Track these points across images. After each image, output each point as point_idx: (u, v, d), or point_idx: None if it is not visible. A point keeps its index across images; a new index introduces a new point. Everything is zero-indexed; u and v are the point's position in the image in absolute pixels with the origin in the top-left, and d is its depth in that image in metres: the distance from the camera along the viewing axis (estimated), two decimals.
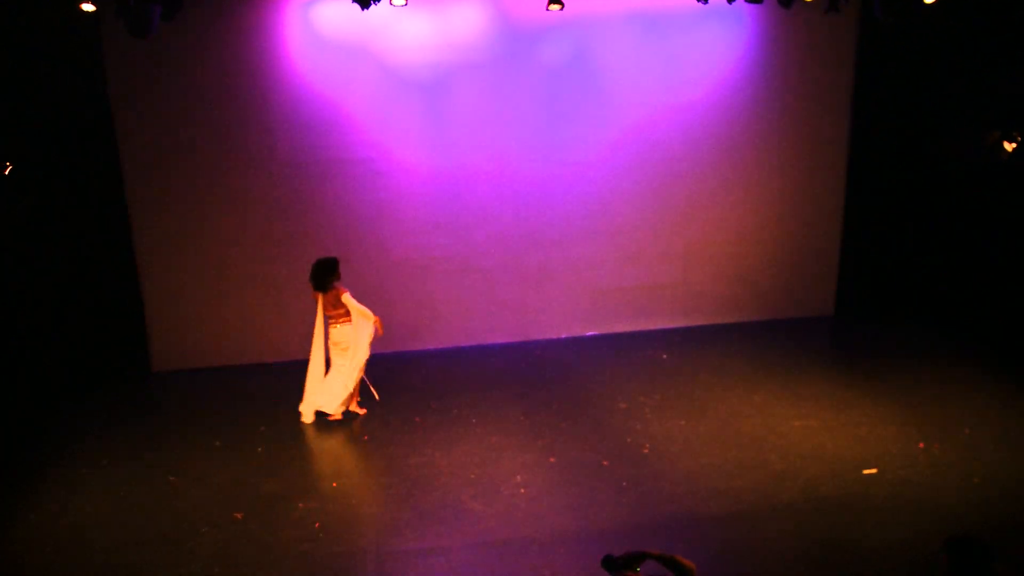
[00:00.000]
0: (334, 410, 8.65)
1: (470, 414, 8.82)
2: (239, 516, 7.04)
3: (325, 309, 8.58)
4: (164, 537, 6.79)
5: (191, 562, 6.46)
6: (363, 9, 8.36)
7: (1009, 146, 9.14)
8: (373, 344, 8.80)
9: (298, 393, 9.26)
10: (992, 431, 8.12)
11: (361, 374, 8.73)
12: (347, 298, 8.49)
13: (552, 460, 7.84)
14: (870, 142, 10.93)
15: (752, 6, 9.68)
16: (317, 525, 6.86)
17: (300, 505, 7.16)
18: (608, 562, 4.03)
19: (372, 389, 8.95)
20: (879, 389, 9.08)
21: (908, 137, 10.76)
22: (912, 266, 11.13)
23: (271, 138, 9.83)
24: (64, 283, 9.55)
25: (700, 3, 9.04)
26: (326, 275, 8.53)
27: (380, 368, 10.04)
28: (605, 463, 7.73)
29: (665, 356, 10.28)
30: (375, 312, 8.70)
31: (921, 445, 7.88)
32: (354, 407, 8.80)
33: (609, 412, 8.72)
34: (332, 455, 8.04)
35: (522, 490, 7.31)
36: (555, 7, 8.98)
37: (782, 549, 6.40)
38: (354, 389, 8.71)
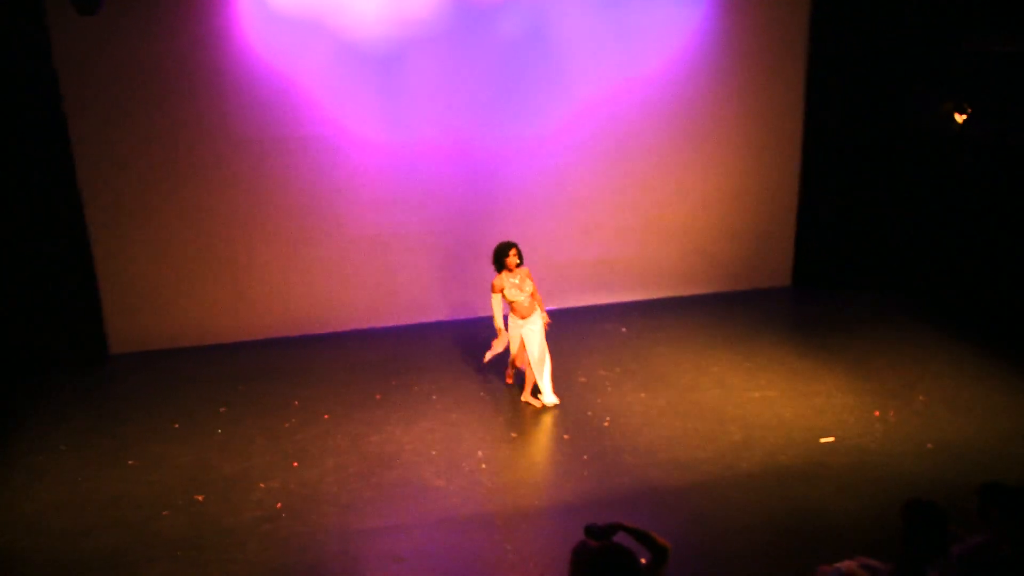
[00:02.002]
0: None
1: (431, 390, 8.75)
2: (200, 498, 6.90)
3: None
4: (125, 521, 6.62)
5: (153, 546, 6.30)
6: None
7: (960, 117, 9.16)
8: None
9: (259, 371, 9.16)
10: (945, 396, 8.22)
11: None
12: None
13: (514, 435, 7.81)
14: (826, 112, 10.94)
15: None
16: (279, 505, 6.74)
17: (261, 485, 7.04)
18: (590, 530, 3.97)
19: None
20: (836, 358, 9.13)
21: (864, 106, 10.77)
22: (868, 236, 11.20)
23: (225, 115, 9.55)
24: (15, 264, 9.19)
25: None
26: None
27: (338, 345, 10.09)
28: (566, 437, 7.70)
29: (624, 329, 10.27)
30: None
31: (877, 413, 7.93)
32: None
33: (569, 386, 8.66)
34: (292, 435, 7.90)
35: (484, 466, 7.26)
36: None
37: (745, 518, 6.41)
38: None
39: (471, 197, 10.50)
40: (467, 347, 9.86)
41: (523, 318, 8.06)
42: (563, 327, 9.38)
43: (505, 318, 8.21)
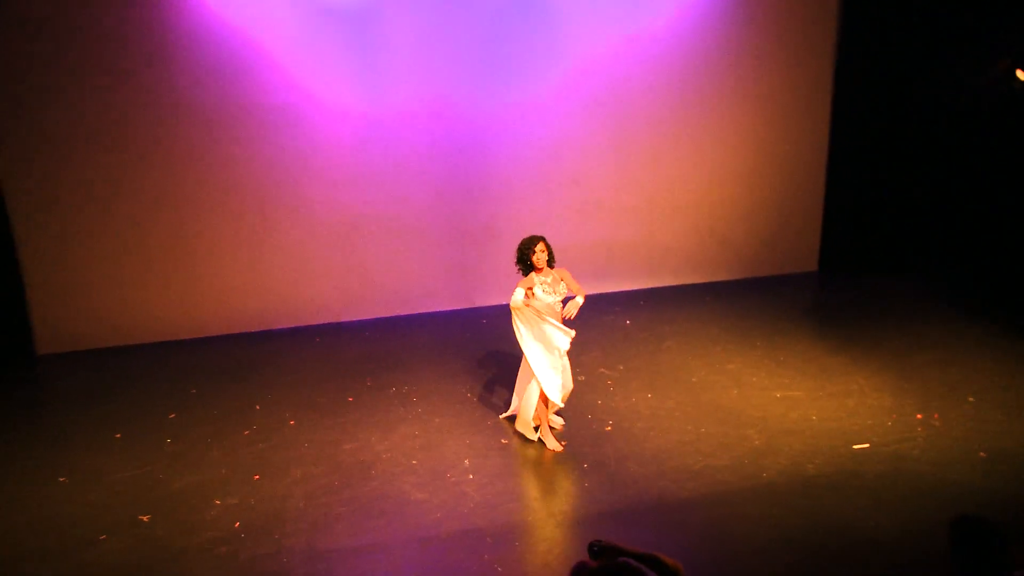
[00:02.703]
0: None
1: (410, 392, 8.72)
2: (145, 519, 6.80)
3: None
4: (54, 550, 6.44)
5: None
6: None
7: (1023, 74, 9.11)
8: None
9: (214, 372, 9.10)
10: (998, 397, 8.14)
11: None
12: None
13: (504, 442, 7.76)
14: (859, 76, 10.90)
15: None
16: (237, 525, 6.66)
17: (217, 503, 6.95)
18: (594, 550, 3.95)
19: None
20: (870, 353, 9.09)
21: (902, 70, 10.76)
22: (905, 215, 11.18)
23: (172, 82, 9.45)
24: None
25: None
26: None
27: (305, 342, 10.07)
28: (563, 443, 7.64)
29: (628, 322, 10.23)
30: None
31: (919, 416, 7.88)
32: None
33: None
34: (252, 444, 7.84)
35: (471, 476, 7.21)
36: None
37: (766, 534, 6.33)
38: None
39: (455, 173, 10.45)
40: (450, 343, 9.81)
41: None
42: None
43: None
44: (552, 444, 7.58)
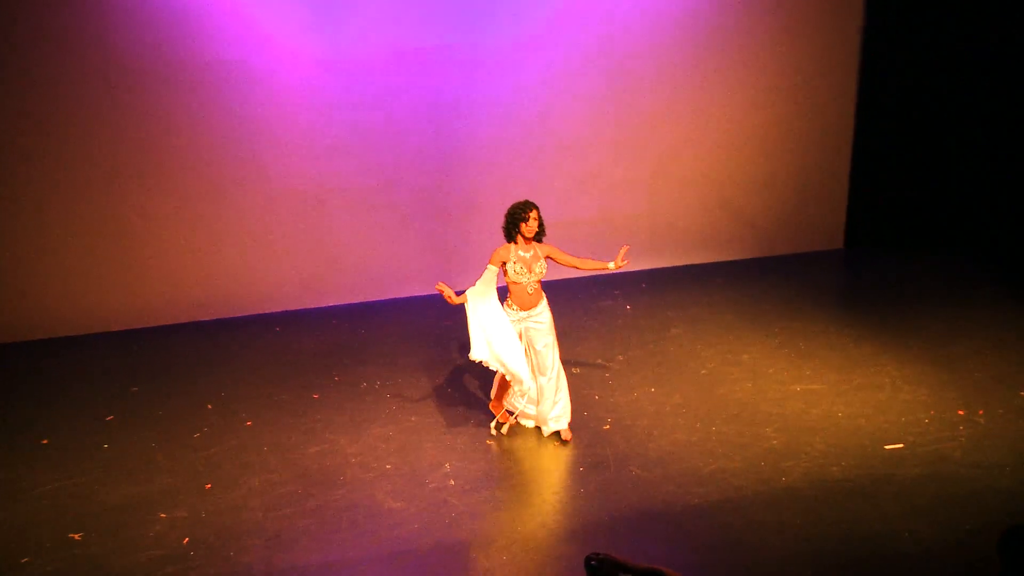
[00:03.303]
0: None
1: (383, 388, 8.70)
2: (78, 537, 6.71)
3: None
4: None
5: None
6: None
7: None
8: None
9: (159, 367, 9.01)
10: None
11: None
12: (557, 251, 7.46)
13: (490, 443, 7.75)
14: (890, 34, 10.88)
15: None
16: (186, 541, 6.59)
17: (162, 516, 6.88)
18: (592, 566, 3.94)
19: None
20: (904, 341, 9.11)
21: (934, 30, 10.76)
22: (940, 185, 11.19)
23: (109, 39, 9.29)
24: None
25: None
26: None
27: (263, 332, 10.04)
28: (557, 445, 7.63)
29: (629, 307, 10.25)
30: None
31: (961, 412, 7.87)
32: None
33: None
34: (203, 448, 7.78)
35: (452, 483, 7.18)
36: None
37: (784, 547, 6.31)
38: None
39: (430, 139, 10.37)
40: (428, 331, 9.80)
41: (523, 309, 7.44)
42: (551, 304, 9.26)
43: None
44: (497, 426, 7.83)
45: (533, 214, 7.19)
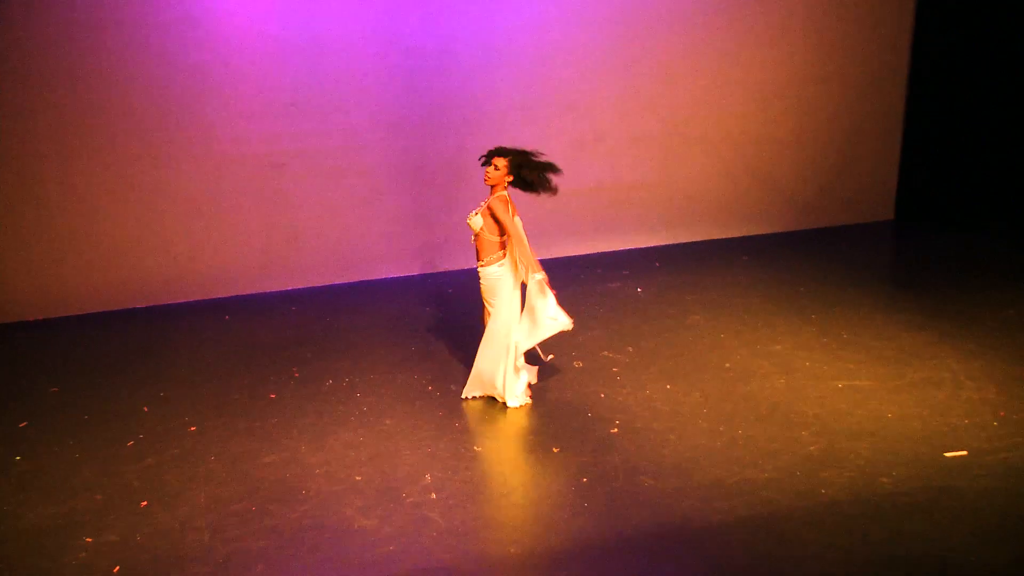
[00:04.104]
0: (505, 398, 8.30)
1: (353, 384, 8.69)
2: None
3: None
4: None
5: None
6: None
7: None
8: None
9: (84, 363, 9.01)
10: None
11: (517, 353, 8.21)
12: (502, 209, 7.87)
13: (478, 449, 7.71)
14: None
15: None
16: (116, 570, 6.48)
17: (88, 540, 6.76)
18: None
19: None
20: (966, 329, 9.12)
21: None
22: (1005, 149, 11.19)
23: None
24: None
25: None
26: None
27: (212, 320, 10.02)
28: (556, 450, 7.58)
29: (640, 289, 10.24)
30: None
31: None
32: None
33: (559, 374, 8.62)
34: (138, 458, 7.70)
35: (433, 496, 7.09)
36: None
37: (824, 571, 6.21)
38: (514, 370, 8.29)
39: (406, 96, 10.35)
40: (404, 319, 9.80)
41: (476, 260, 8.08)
42: (555, 286, 9.26)
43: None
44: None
45: (497, 161, 7.85)
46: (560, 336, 9.02)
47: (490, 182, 7.79)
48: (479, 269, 7.98)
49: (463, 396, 8.33)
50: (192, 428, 8.11)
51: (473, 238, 7.93)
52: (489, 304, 8.00)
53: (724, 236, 11.33)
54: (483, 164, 7.81)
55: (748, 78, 10.95)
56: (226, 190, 10.25)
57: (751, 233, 11.36)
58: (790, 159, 11.27)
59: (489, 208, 7.80)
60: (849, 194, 11.49)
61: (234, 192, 10.28)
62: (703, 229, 11.32)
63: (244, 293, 10.49)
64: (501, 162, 7.80)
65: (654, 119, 10.93)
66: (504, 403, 8.19)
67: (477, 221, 7.80)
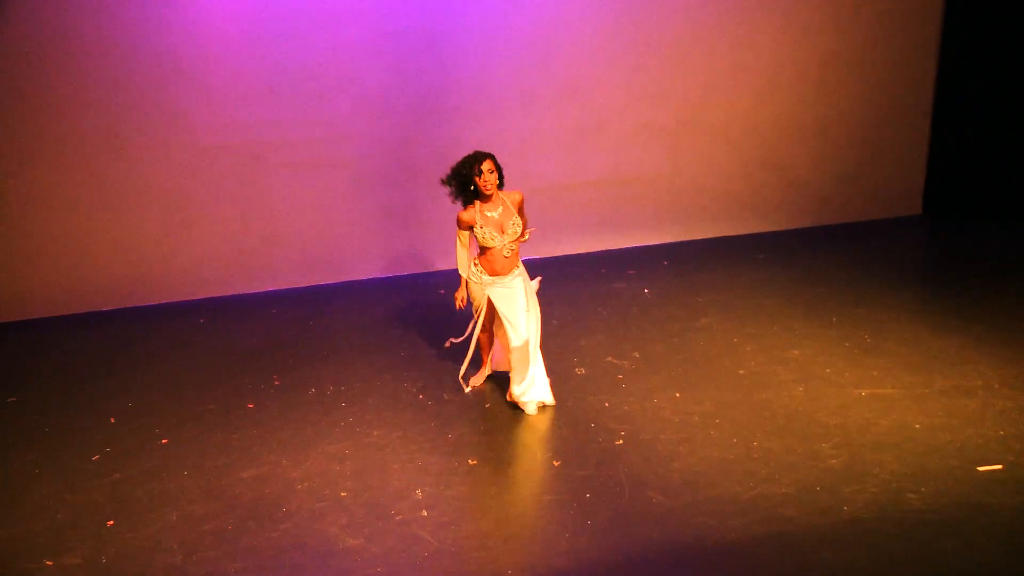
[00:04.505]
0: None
1: (337, 393, 8.68)
2: None
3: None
4: None
5: None
6: None
7: None
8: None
9: (43, 370, 9.02)
10: None
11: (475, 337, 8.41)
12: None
13: (472, 463, 7.66)
14: None
15: None
16: None
17: (48, 564, 6.74)
18: None
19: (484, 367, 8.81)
20: (1001, 332, 9.11)
21: None
22: None
23: None
24: None
25: None
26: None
27: (185, 324, 10.00)
28: (556, 463, 7.56)
29: (647, 290, 10.22)
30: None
31: None
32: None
33: (561, 381, 8.58)
34: (103, 473, 7.68)
35: (425, 513, 7.06)
36: None
37: None
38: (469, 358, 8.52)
39: (394, 81, 10.35)
40: (393, 322, 9.78)
41: (495, 275, 7.91)
42: (548, 287, 9.27)
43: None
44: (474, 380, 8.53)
45: (487, 164, 7.58)
46: (560, 341, 9.04)
47: (493, 187, 7.66)
48: (519, 276, 7.93)
49: (542, 403, 8.27)
50: (163, 440, 8.08)
51: (513, 246, 7.79)
52: (530, 309, 7.95)
53: (738, 232, 11.31)
54: (491, 172, 7.60)
55: (764, 61, 10.94)
56: (199, 184, 10.22)
57: (767, 229, 11.35)
58: (810, 149, 11.26)
59: (519, 206, 7.77)
60: (873, 187, 11.46)
61: (208, 186, 10.25)
62: (715, 225, 11.30)
63: (219, 294, 10.48)
64: (491, 164, 7.67)
65: (662, 106, 10.92)
66: (546, 404, 8.24)
67: (518, 222, 7.75)
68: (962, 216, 11.35)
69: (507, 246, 7.72)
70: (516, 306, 7.90)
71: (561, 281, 10.19)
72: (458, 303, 7.99)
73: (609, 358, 9.00)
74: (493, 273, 7.86)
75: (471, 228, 7.75)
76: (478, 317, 8.07)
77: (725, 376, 8.66)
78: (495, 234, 7.68)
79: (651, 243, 10.99)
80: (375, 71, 10.25)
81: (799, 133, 11.21)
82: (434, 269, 10.94)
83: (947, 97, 11.26)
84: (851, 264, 10.52)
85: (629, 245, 11.17)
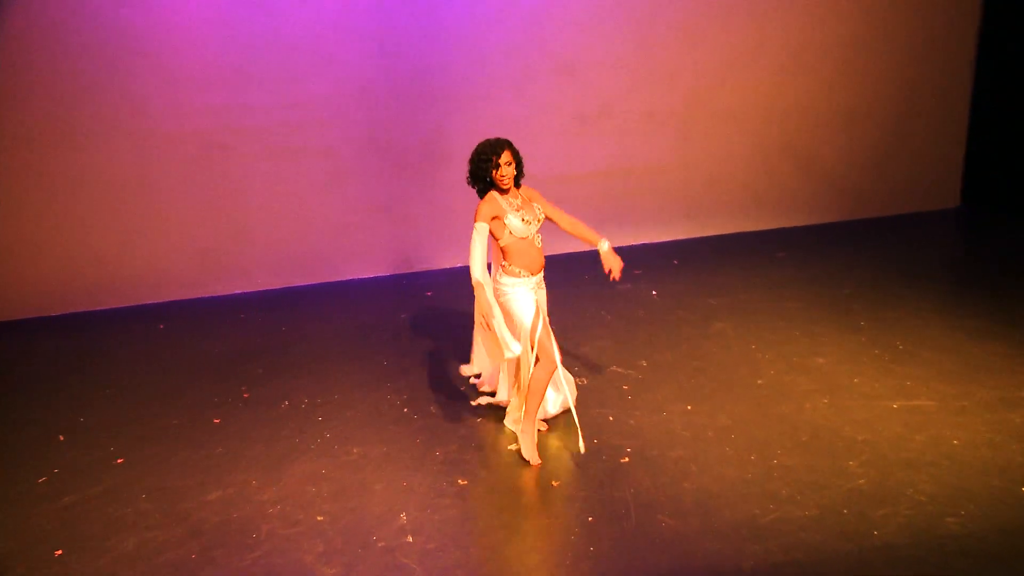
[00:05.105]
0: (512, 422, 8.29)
1: (314, 406, 8.69)
2: None
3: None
4: None
5: None
6: None
7: None
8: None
9: None
10: None
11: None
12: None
13: (462, 483, 7.64)
14: None
15: None
16: None
17: None
18: None
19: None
20: None
21: None
22: None
23: None
24: None
25: None
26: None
27: (144, 330, 10.01)
28: (555, 484, 7.54)
29: (655, 292, 10.27)
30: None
31: None
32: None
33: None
34: (52, 496, 7.64)
35: (410, 539, 7.03)
36: None
37: None
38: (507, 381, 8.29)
39: (377, 63, 10.39)
40: (375, 327, 9.81)
41: (533, 274, 7.65)
42: (548, 288, 9.24)
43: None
44: (530, 453, 7.79)
45: (505, 156, 7.36)
46: (562, 348, 9.01)
47: (509, 182, 7.44)
48: (543, 281, 7.77)
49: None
50: (119, 460, 8.05)
51: (539, 243, 7.58)
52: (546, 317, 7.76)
53: (756, 228, 11.32)
54: (508, 165, 7.37)
55: (784, 39, 10.94)
56: (161, 175, 10.22)
57: (788, 224, 11.36)
58: (835, 136, 11.27)
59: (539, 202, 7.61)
60: (906, 177, 11.46)
61: (170, 178, 10.25)
62: (730, 220, 11.31)
63: (183, 298, 10.49)
64: (509, 156, 7.43)
65: (672, 89, 10.94)
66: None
67: (539, 210, 7.60)
68: (1005, 208, 11.34)
69: (537, 236, 7.52)
70: (544, 310, 7.73)
71: (560, 282, 10.16)
72: (484, 323, 7.35)
73: (614, 367, 9.03)
74: (534, 270, 7.57)
75: (492, 220, 7.43)
76: (531, 336, 7.59)
77: (741, 387, 8.67)
78: (531, 219, 7.45)
79: (659, 240, 10.98)
80: (355, 51, 10.25)
81: (824, 118, 11.21)
82: (419, 270, 10.95)
83: (988, 77, 11.27)
84: (881, 263, 10.54)
85: (635, 242, 11.21)
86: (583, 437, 7.79)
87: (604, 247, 7.51)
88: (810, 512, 7.07)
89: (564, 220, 7.62)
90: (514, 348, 7.28)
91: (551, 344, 7.59)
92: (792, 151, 11.25)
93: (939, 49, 11.18)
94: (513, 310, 7.53)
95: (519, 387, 8.01)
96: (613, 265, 7.47)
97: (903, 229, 11.24)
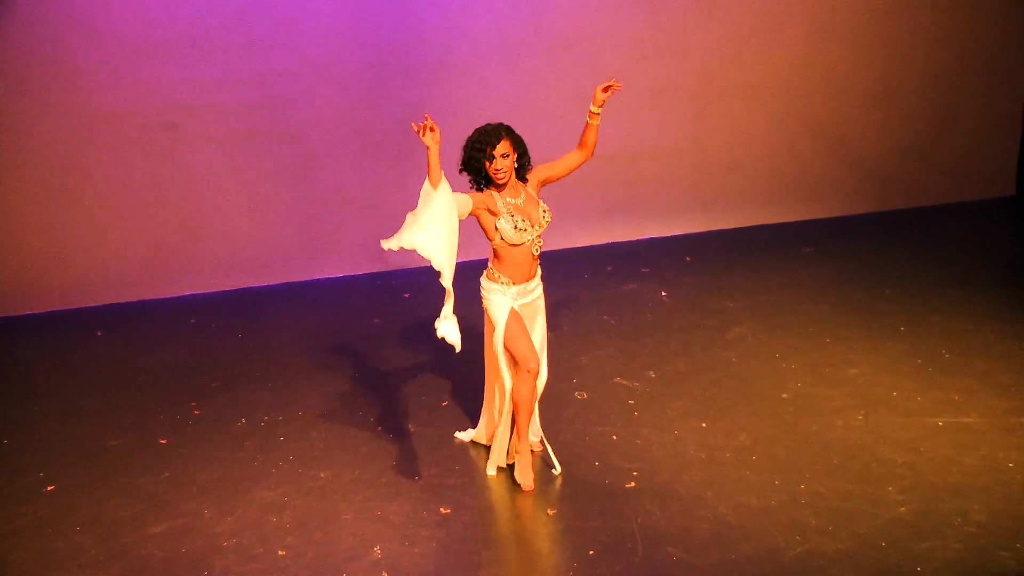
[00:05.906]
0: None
1: (275, 424, 8.67)
2: None
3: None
4: None
5: None
6: None
7: None
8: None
9: None
10: None
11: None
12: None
13: (444, 512, 7.59)
14: None
15: None
16: None
17: None
18: None
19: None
20: None
21: None
22: None
23: None
24: None
25: None
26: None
27: (81, 338, 10.03)
28: (551, 512, 7.51)
29: (665, 294, 10.26)
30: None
31: None
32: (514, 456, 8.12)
33: (558, 406, 8.59)
34: None
35: (384, 575, 6.99)
36: None
37: None
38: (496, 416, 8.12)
39: (353, 32, 10.40)
40: (349, 332, 9.83)
41: (515, 283, 7.52)
42: (546, 288, 9.25)
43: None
44: (524, 477, 7.78)
45: (501, 146, 7.17)
46: (556, 359, 8.95)
47: (505, 178, 7.23)
48: (537, 283, 7.67)
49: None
50: (49, 488, 8.00)
51: (540, 241, 7.47)
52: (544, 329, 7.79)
53: (778, 220, 11.33)
54: (505, 158, 7.17)
55: (811, 4, 10.86)
56: (98, 161, 10.19)
57: (815, 216, 11.35)
58: (869, 114, 11.24)
59: (541, 185, 7.54)
60: (952, 162, 11.43)
61: (110, 163, 10.22)
62: (750, 211, 11.31)
63: (124, 300, 10.49)
64: (507, 147, 7.22)
65: (683, 64, 10.93)
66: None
67: (546, 209, 7.47)
68: None
69: (536, 242, 7.38)
70: (537, 323, 7.66)
71: (557, 282, 10.15)
72: (443, 334, 7.15)
73: (618, 379, 9.00)
74: (517, 280, 7.45)
75: (487, 213, 7.25)
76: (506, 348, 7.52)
77: (764, 401, 8.63)
78: (527, 225, 7.26)
79: (670, 234, 10.97)
80: (324, 19, 10.24)
81: (857, 95, 11.19)
82: (394, 268, 10.95)
83: None
84: (923, 259, 10.54)
85: (642, 237, 11.24)
86: (554, 454, 7.86)
87: (594, 108, 7.55)
88: (843, 545, 7.02)
89: (571, 159, 7.59)
90: (441, 330, 7.05)
91: (529, 351, 7.47)
92: (820, 132, 11.24)
93: (993, 13, 11.15)
94: (489, 317, 7.51)
95: (500, 422, 7.88)
96: (609, 83, 7.53)
97: (948, 221, 11.24)
